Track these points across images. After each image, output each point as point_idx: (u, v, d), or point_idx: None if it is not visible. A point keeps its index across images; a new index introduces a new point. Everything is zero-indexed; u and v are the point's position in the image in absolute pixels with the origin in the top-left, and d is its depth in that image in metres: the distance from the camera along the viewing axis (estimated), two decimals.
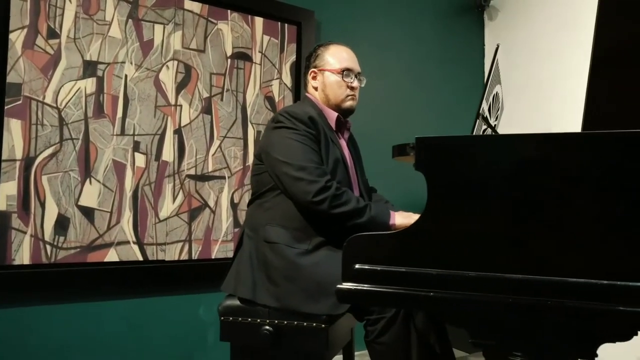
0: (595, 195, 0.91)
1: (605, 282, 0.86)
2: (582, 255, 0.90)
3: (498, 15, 3.52)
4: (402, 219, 1.55)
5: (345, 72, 1.77)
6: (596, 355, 0.90)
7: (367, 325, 1.48)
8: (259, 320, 1.52)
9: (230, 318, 1.56)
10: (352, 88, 1.79)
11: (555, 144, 0.96)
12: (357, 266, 1.02)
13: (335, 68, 1.77)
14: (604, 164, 0.91)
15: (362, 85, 1.84)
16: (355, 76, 1.79)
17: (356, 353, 2.08)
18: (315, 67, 1.82)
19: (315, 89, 1.82)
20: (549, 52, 3.12)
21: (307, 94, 1.85)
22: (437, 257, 0.97)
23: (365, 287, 1.01)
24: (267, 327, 1.49)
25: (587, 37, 1.42)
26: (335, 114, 1.78)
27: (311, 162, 1.57)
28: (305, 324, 1.49)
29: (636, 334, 0.87)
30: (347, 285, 1.03)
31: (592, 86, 1.50)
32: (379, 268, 1.00)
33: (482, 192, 0.97)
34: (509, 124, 3.04)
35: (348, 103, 1.79)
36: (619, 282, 0.85)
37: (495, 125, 1.55)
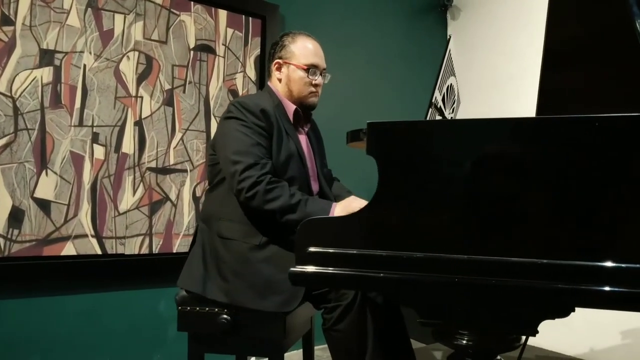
0: (536, 179, 0.94)
1: (545, 261, 0.89)
2: (524, 236, 0.93)
3: (460, 14, 3.59)
4: (341, 210, 1.48)
5: (311, 69, 1.72)
6: (537, 332, 0.93)
7: (324, 314, 1.48)
8: (216, 309, 1.52)
9: (188, 308, 1.55)
10: (315, 85, 1.75)
11: (500, 129, 0.99)
12: (310, 249, 1.03)
13: (301, 63, 1.72)
14: (548, 149, 0.95)
15: (326, 82, 1.80)
16: (320, 73, 1.76)
17: (318, 347, 2.09)
18: (280, 57, 1.75)
19: (279, 80, 1.76)
20: (508, 50, 3.20)
21: (269, 84, 1.80)
22: (386, 239, 0.98)
23: (318, 269, 1.02)
24: (225, 316, 1.49)
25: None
26: (294, 107, 1.75)
27: (249, 156, 1.52)
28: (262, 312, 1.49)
29: (574, 310, 0.90)
30: (299, 268, 1.03)
31: (544, 81, 1.55)
32: (331, 250, 1.01)
33: (429, 176, 0.99)
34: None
35: (311, 100, 1.76)
36: (558, 261, 0.88)
37: (451, 117, 1.58)
